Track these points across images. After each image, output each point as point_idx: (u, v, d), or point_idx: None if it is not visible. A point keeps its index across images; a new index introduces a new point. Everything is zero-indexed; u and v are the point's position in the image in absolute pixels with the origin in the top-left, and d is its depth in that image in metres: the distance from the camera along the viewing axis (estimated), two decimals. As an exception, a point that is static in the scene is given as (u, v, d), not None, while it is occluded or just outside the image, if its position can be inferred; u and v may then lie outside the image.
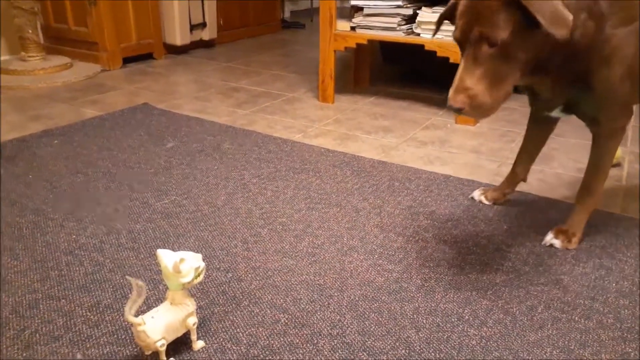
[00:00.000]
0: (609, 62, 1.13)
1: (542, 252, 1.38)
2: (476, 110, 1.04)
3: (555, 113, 1.31)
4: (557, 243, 1.37)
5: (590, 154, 1.34)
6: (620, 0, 1.11)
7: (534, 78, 1.17)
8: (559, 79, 1.19)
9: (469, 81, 1.02)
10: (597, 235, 1.46)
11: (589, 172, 1.36)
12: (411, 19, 2.38)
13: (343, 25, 2.49)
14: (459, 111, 1.04)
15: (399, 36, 2.35)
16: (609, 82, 1.15)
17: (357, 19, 2.44)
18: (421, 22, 2.29)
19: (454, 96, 1.02)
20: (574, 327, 1.11)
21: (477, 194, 1.63)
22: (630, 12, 1.12)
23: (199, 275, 0.98)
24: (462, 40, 1.05)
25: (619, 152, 1.90)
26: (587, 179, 1.37)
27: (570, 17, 0.99)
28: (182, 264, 0.95)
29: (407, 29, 2.37)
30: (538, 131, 1.51)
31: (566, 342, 1.07)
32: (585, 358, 1.03)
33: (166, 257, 0.96)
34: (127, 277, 1.18)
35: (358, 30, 2.46)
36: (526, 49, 1.03)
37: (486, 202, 1.61)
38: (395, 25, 2.35)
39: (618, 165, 1.93)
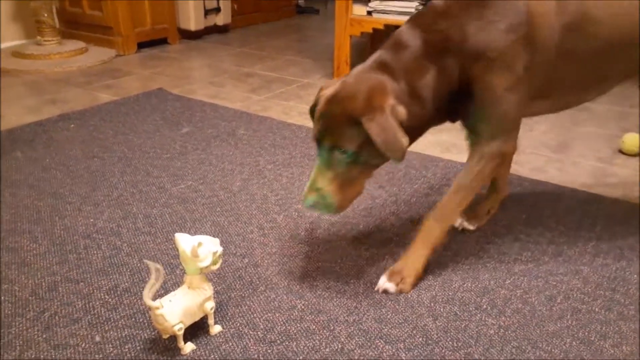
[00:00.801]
0: (490, 70, 1.07)
1: (562, 242, 1.36)
2: (327, 209, 1.09)
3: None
4: (390, 287, 1.16)
5: (460, 174, 1.19)
6: (490, 11, 1.06)
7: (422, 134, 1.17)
8: (448, 112, 1.17)
9: (321, 182, 1.07)
10: (618, 226, 1.43)
11: (450, 195, 1.19)
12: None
13: (359, 10, 2.46)
14: (312, 208, 1.09)
15: (416, 21, 2.31)
16: (490, 91, 1.09)
17: (374, 4, 2.41)
18: (439, 7, 2.25)
19: (306, 195, 1.08)
20: (594, 318, 1.09)
21: (457, 221, 1.40)
22: (510, 20, 1.05)
23: (216, 260, 0.98)
24: (317, 143, 1.08)
25: (638, 141, 1.87)
26: (445, 203, 1.19)
27: (406, 143, 1.01)
28: (200, 248, 0.95)
29: (425, 14, 2.33)
30: None
31: (586, 333, 1.05)
32: (605, 349, 1.01)
33: (184, 241, 0.96)
34: (145, 261, 1.18)
35: (374, 15, 2.43)
36: (375, 156, 1.06)
37: (470, 228, 1.41)
38: (412, 10, 2.31)
39: (637, 155, 1.89)
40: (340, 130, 1.04)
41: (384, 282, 1.17)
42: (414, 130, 1.10)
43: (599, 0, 1.10)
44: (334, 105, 1.05)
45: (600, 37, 1.12)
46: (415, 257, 1.18)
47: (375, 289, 1.17)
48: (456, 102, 1.13)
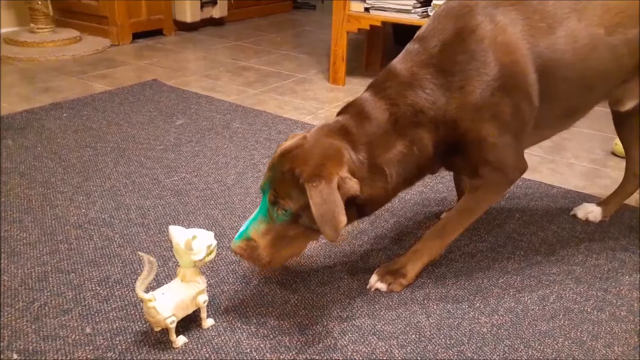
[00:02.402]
0: (474, 124, 1.04)
1: (555, 242, 1.36)
2: (254, 262, 1.03)
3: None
4: (382, 287, 1.15)
5: (464, 198, 1.18)
6: (460, 72, 1.02)
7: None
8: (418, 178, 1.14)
9: (254, 233, 1.01)
10: (611, 227, 1.44)
11: (452, 216, 1.18)
12: (427, 2, 2.33)
13: (357, 6, 2.45)
14: (239, 256, 1.03)
15: (413, 19, 2.31)
16: (480, 142, 1.06)
17: (372, 0, 2.40)
18: (437, 5, 2.25)
19: (235, 242, 1.02)
20: (586, 319, 1.10)
21: None
22: (482, 77, 1.02)
23: (210, 253, 0.97)
24: (262, 192, 1.04)
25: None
26: (445, 223, 1.19)
27: (343, 222, 0.94)
28: (194, 241, 0.94)
29: (422, 12, 2.32)
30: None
31: (578, 333, 1.06)
32: (597, 350, 1.02)
33: (178, 234, 0.95)
34: (138, 252, 1.17)
35: (372, 12, 2.42)
36: (315, 223, 0.97)
37: None
38: (410, 8, 2.31)
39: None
40: (285, 187, 0.98)
41: (375, 281, 1.16)
42: (374, 203, 1.06)
43: (567, 45, 1.07)
44: (286, 160, 1.00)
45: (569, 80, 1.10)
46: (412, 263, 1.17)
47: (368, 287, 1.16)
48: (439, 160, 1.11)
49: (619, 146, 1.90)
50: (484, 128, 1.05)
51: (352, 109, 1.08)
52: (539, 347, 1.02)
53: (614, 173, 1.78)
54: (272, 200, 1.01)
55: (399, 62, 1.08)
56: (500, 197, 1.16)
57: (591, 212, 1.47)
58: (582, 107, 1.22)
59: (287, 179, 0.98)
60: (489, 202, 1.17)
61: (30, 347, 0.96)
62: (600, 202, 1.49)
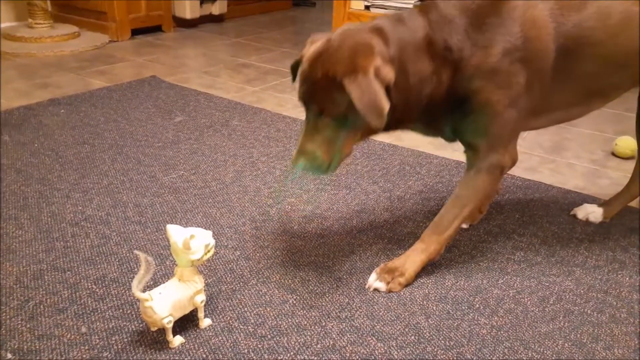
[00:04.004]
0: (486, 88, 1.07)
1: (555, 243, 1.35)
2: (317, 170, 1.07)
3: (448, 138, 1.22)
4: (381, 286, 1.14)
5: (458, 188, 1.18)
6: (488, 32, 1.04)
7: (394, 129, 1.14)
8: (428, 121, 1.15)
9: (310, 145, 1.04)
10: (611, 228, 1.43)
11: (448, 207, 1.18)
12: (428, 0, 2.32)
13: (357, 4, 2.44)
14: (303, 170, 1.07)
15: (414, 17, 2.30)
16: (488, 107, 1.08)
17: (373, -2, 2.39)
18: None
19: (295, 158, 1.06)
20: (586, 320, 1.09)
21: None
22: (506, 44, 1.05)
23: (208, 252, 0.96)
24: (303, 105, 1.06)
25: (635, 145, 1.87)
26: (443, 214, 1.18)
27: (386, 107, 0.96)
28: (192, 240, 0.93)
29: (423, 10, 2.31)
30: None
31: (578, 335, 1.05)
32: (597, 352, 1.01)
33: (176, 233, 0.94)
34: (135, 251, 1.16)
35: (373, 10, 2.41)
36: (361, 121, 1.00)
37: (462, 226, 1.37)
38: (411, 6, 2.29)
39: (632, 158, 1.90)
40: (324, 94, 1.00)
41: (374, 281, 1.15)
42: (396, 108, 1.04)
43: (597, 22, 1.09)
44: (317, 66, 1.01)
45: (597, 58, 1.12)
46: (410, 261, 1.17)
47: (367, 286, 1.15)
48: (444, 117, 1.12)
49: (619, 147, 1.89)
50: (495, 93, 1.07)
51: (392, 16, 1.08)
52: (538, 348, 1.01)
53: (615, 174, 1.78)
54: (317, 111, 1.02)
55: (441, 1, 1.09)
56: (494, 188, 1.16)
57: (592, 212, 1.46)
58: (611, 88, 1.21)
59: (324, 86, 1.00)
60: (482, 191, 1.17)
61: (25, 347, 0.95)
62: (602, 203, 1.48)
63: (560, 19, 1.07)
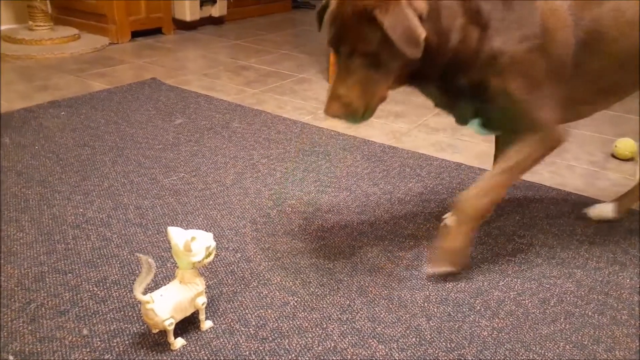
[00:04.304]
0: (503, 75, 1.06)
1: (555, 245, 1.35)
2: (352, 116, 1.05)
3: (474, 128, 1.20)
4: (447, 269, 1.18)
5: (503, 159, 1.14)
6: (512, 14, 1.04)
7: (415, 84, 1.13)
8: (446, 88, 1.13)
9: (342, 90, 1.03)
10: (611, 230, 1.43)
11: (491, 174, 1.15)
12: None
13: (357, 6, 2.44)
14: (336, 117, 1.05)
15: (414, 19, 2.30)
16: (507, 94, 1.07)
17: (372, 0, 2.39)
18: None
19: (328, 105, 1.03)
20: (587, 322, 1.09)
21: (451, 220, 1.32)
22: (527, 29, 1.05)
23: (209, 254, 0.96)
24: (334, 49, 1.04)
25: (634, 146, 1.87)
26: (486, 177, 1.15)
27: (423, 35, 0.95)
28: (193, 242, 0.93)
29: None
30: (502, 148, 1.36)
31: (579, 337, 1.05)
32: (599, 354, 1.01)
33: (177, 235, 0.94)
34: (136, 254, 1.16)
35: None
36: (395, 58, 1.00)
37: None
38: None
39: (632, 159, 1.90)
40: (355, 32, 0.98)
41: (434, 266, 1.18)
42: (426, 54, 1.00)
43: (612, 19, 1.09)
44: (345, 4, 0.98)
45: (609, 55, 1.12)
46: (457, 232, 1.17)
47: (426, 275, 1.18)
48: (462, 94, 1.10)
49: (619, 148, 1.90)
50: (511, 81, 1.06)
51: None
52: (539, 350, 1.01)
53: (614, 175, 1.78)
54: (349, 52, 1.00)
55: None
56: (535, 162, 1.14)
57: (604, 210, 1.46)
58: (625, 86, 1.21)
59: (354, 23, 0.98)
60: (534, 157, 1.13)
61: (27, 349, 0.95)
62: (614, 200, 1.48)
63: (579, 14, 1.07)
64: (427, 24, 0.98)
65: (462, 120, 1.20)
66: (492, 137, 2.02)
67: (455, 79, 1.09)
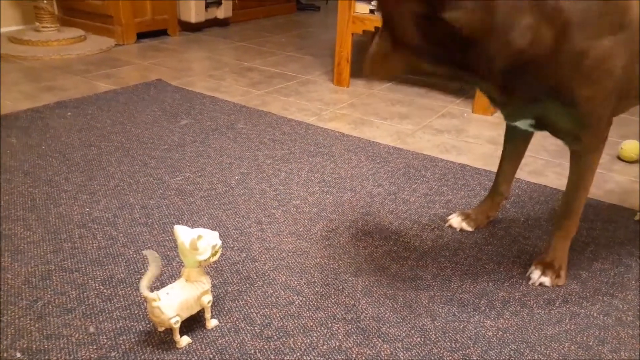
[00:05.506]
0: (591, 78, 1.00)
1: (560, 246, 1.35)
2: (386, 71, 1.06)
3: (522, 125, 1.17)
4: (546, 281, 1.20)
5: (571, 172, 1.19)
6: (598, 5, 0.97)
7: (466, 77, 1.07)
8: (505, 85, 1.05)
9: (375, 55, 1.04)
10: (617, 231, 1.43)
11: (570, 192, 1.20)
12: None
13: (362, 8, 2.45)
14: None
15: (419, 21, 2.30)
16: (594, 100, 1.03)
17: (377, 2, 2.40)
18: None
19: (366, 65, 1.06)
20: (592, 323, 1.09)
21: (456, 222, 1.43)
22: (613, 18, 0.97)
23: (215, 253, 0.97)
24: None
25: (637, 148, 1.87)
26: (567, 201, 1.21)
27: None
28: (200, 241, 0.94)
29: (428, 14, 2.32)
30: (513, 147, 1.38)
31: (584, 338, 1.05)
32: (604, 355, 1.01)
33: (183, 234, 0.95)
34: (143, 251, 1.17)
35: (377, 14, 2.41)
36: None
37: (468, 229, 1.41)
38: (416, 10, 2.30)
39: (637, 162, 1.90)
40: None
41: (538, 277, 1.21)
42: (469, 33, 0.93)
43: None
44: None
45: None
46: (561, 252, 1.23)
47: (530, 282, 1.21)
48: (529, 99, 1.06)
49: (625, 150, 1.89)
50: (595, 88, 1.02)
51: None
52: (544, 351, 1.01)
53: (620, 177, 1.78)
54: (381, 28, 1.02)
55: None
56: (597, 163, 1.17)
57: None
58: None
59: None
60: (595, 165, 1.17)
61: (34, 346, 0.96)
62: None
63: None
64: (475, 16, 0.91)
65: (513, 119, 1.16)
66: (495, 139, 2.02)
67: (521, 80, 1.03)
